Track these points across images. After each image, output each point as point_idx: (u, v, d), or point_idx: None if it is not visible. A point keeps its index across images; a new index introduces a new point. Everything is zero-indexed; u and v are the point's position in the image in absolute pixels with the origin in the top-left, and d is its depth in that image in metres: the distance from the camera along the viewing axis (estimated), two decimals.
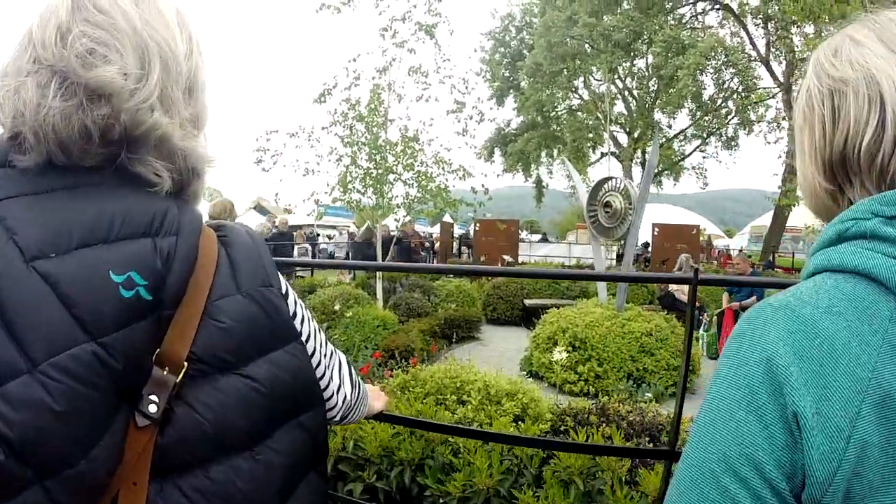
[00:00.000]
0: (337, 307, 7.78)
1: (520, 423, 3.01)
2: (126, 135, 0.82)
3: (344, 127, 9.19)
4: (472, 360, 6.97)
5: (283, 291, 0.96)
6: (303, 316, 1.02)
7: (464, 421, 2.97)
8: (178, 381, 0.80)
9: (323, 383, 1.07)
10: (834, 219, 0.73)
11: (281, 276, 0.98)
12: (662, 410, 4.73)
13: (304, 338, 0.99)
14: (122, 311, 0.75)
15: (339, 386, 1.15)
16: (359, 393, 1.26)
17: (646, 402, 3.76)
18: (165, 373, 0.79)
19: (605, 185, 8.56)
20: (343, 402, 1.17)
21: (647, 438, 3.04)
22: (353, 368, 1.26)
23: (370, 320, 7.73)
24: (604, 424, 3.02)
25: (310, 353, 1.00)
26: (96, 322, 0.73)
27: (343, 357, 1.23)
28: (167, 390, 0.79)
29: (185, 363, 0.81)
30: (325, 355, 1.10)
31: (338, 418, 1.19)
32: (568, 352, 7.33)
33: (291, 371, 0.91)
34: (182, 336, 0.81)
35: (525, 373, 8.01)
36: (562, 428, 3.07)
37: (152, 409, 0.78)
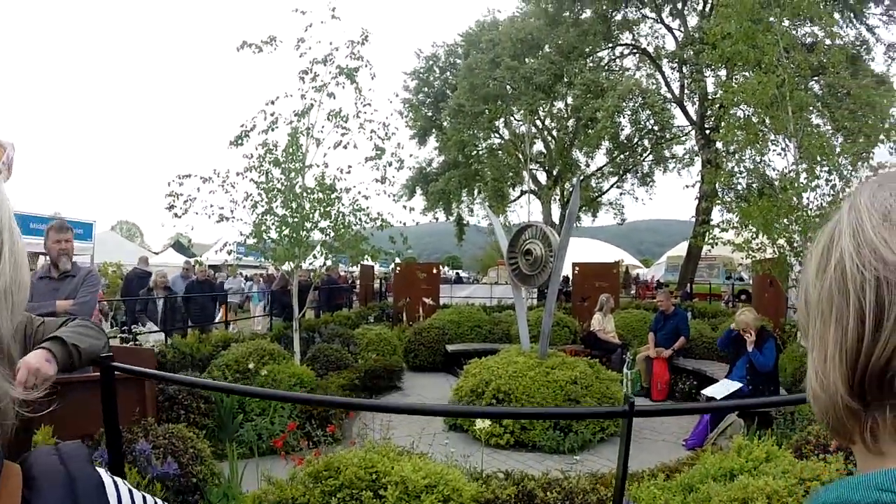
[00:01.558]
0: (251, 365, 7.38)
1: None
2: None
3: (259, 172, 8.89)
4: (392, 419, 6.76)
5: None
6: None
7: None
8: None
9: None
10: (859, 477, 0.53)
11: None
12: (598, 465, 4.65)
13: None
14: None
15: None
16: None
17: (575, 475, 3.61)
18: None
19: (526, 233, 8.54)
20: None
21: None
22: None
23: (286, 378, 7.35)
24: None
25: None
26: None
27: None
28: None
29: None
30: None
31: None
32: (491, 404, 7.21)
33: None
34: None
35: (448, 426, 7.83)
36: None
37: None
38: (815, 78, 14.48)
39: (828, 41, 10.46)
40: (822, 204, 8.85)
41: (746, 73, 10.50)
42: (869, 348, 0.52)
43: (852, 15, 22.00)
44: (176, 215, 8.74)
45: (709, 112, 22.19)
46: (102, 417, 2.57)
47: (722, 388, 7.28)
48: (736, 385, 7.24)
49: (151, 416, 4.75)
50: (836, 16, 19.10)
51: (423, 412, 3.47)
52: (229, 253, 9.42)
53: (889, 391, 0.51)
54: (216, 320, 13.21)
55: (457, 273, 42.17)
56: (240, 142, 9.07)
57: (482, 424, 4.70)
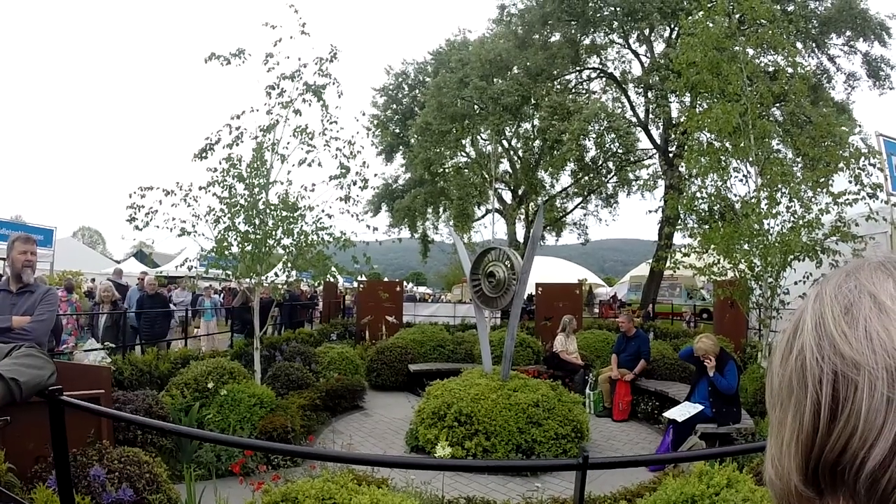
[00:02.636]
0: (210, 385, 7.21)
1: None
2: None
3: (223, 187, 8.75)
4: (353, 440, 6.67)
5: None
6: None
7: None
8: None
9: None
10: None
11: None
12: (560, 487, 4.64)
13: None
14: None
15: None
16: None
17: (538, 500, 3.58)
18: None
19: (489, 255, 8.54)
20: None
21: None
22: None
23: (246, 398, 7.20)
24: None
25: None
26: None
27: None
28: None
29: None
30: None
31: None
32: (453, 427, 7.18)
33: None
34: None
35: (410, 447, 7.77)
36: None
37: None
38: (777, 105, 14.79)
39: (790, 70, 10.67)
40: (782, 230, 9.00)
41: (711, 101, 10.65)
42: (823, 440, 0.52)
43: (814, 45, 22.67)
44: (137, 228, 8.56)
45: (672, 137, 22.58)
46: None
47: (684, 411, 7.34)
48: (697, 407, 7.30)
49: (107, 439, 4.60)
50: (799, 45, 19.64)
51: (378, 463, 3.40)
52: (189, 269, 9.23)
53: (841, 482, 0.51)
54: (196, 334, 12.89)
55: (409, 293, 39.48)
56: (204, 155, 8.92)
57: (443, 452, 4.63)
